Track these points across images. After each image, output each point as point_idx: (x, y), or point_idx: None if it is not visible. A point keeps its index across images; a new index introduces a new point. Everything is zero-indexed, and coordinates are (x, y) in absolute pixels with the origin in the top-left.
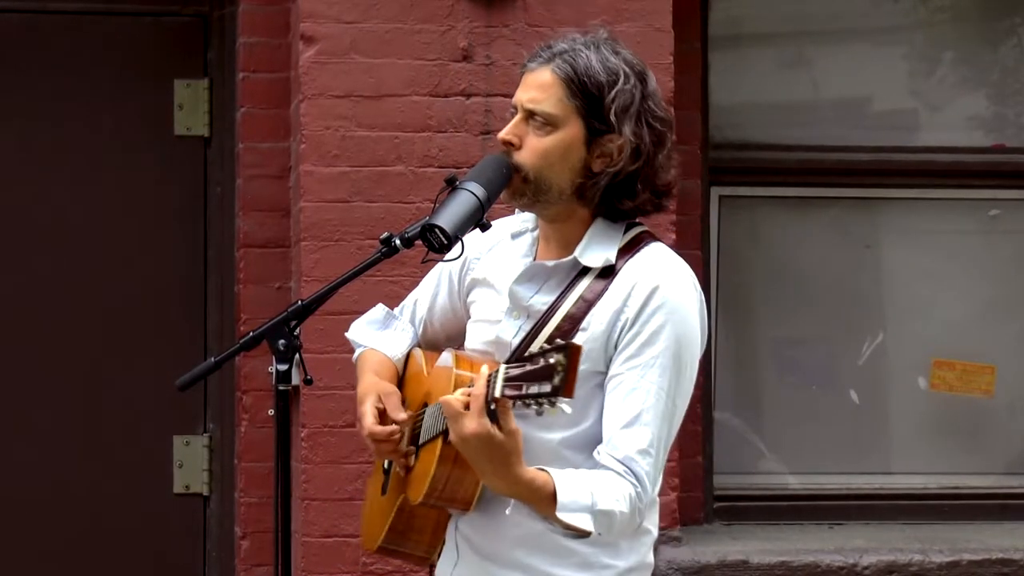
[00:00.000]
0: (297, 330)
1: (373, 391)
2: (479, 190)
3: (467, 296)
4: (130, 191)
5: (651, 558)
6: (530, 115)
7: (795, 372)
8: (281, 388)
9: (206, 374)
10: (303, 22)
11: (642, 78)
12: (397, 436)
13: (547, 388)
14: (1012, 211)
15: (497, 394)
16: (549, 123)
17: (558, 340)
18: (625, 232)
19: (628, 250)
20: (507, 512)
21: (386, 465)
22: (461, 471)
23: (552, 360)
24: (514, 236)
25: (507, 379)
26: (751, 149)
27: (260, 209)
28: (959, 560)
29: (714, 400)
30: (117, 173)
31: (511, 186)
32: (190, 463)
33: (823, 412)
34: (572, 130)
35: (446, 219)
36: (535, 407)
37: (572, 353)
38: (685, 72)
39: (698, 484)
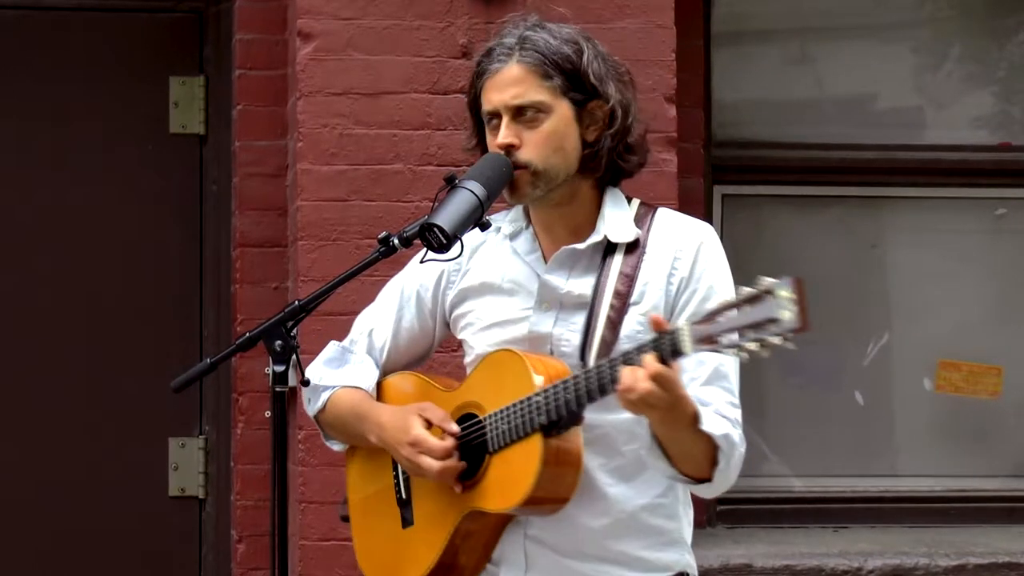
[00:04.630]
0: (294, 331)
1: (410, 413)
2: (479, 188)
3: (451, 312)
4: (125, 189)
5: None
6: (517, 112)
7: (799, 373)
8: (278, 390)
9: (201, 375)
10: (300, 18)
11: (593, 42)
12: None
13: (776, 329)
14: (1019, 210)
15: (688, 351)
16: (541, 110)
17: (767, 279)
18: (629, 205)
19: (641, 221)
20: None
21: (404, 495)
22: (562, 468)
23: (777, 296)
24: (510, 237)
25: (698, 339)
26: (754, 147)
27: (257, 208)
28: (965, 564)
29: None
30: (112, 171)
31: (518, 185)
32: (186, 465)
33: (827, 414)
34: (561, 110)
35: (445, 218)
36: (754, 347)
37: (799, 287)
38: (687, 69)
39: None
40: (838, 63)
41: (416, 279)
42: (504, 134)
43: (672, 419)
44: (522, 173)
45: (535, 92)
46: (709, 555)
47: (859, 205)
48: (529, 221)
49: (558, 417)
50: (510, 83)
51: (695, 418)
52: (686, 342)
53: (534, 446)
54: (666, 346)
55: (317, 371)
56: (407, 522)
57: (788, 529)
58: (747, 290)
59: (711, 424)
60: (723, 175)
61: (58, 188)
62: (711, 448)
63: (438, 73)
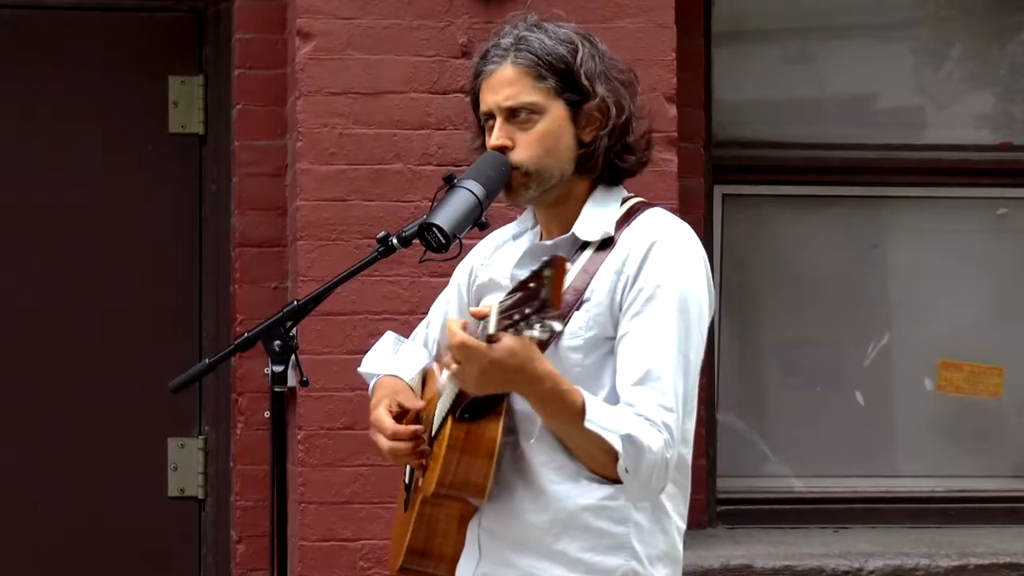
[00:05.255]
0: (293, 331)
1: (384, 399)
2: (478, 188)
3: (477, 304)
4: (124, 189)
5: (680, 551)
6: (510, 113)
7: (799, 373)
8: (277, 390)
9: (200, 376)
10: (300, 18)
11: (592, 41)
12: (422, 434)
13: (536, 305)
14: (1020, 210)
15: (492, 330)
16: (534, 111)
17: (543, 258)
18: (622, 204)
19: (625, 220)
20: (531, 442)
21: (407, 480)
22: (471, 455)
23: (541, 275)
24: (515, 237)
25: (501, 311)
26: (755, 147)
27: (256, 208)
28: (966, 564)
29: (717, 401)
30: (111, 171)
31: (513, 186)
32: (185, 466)
33: (828, 414)
34: (555, 111)
35: (444, 218)
36: (533, 333)
37: (557, 264)
38: (688, 69)
39: (701, 487)
40: (839, 63)
41: (458, 275)
42: (497, 135)
43: (540, 407)
44: (516, 175)
45: (528, 93)
46: (709, 555)
47: (860, 205)
48: (535, 222)
49: (456, 399)
50: (504, 84)
51: (581, 413)
52: (491, 324)
53: (446, 429)
54: (480, 329)
55: (369, 361)
56: (407, 506)
57: (789, 529)
58: (533, 270)
59: (603, 421)
60: (723, 175)
61: (58, 188)
62: (611, 447)
63: (438, 73)
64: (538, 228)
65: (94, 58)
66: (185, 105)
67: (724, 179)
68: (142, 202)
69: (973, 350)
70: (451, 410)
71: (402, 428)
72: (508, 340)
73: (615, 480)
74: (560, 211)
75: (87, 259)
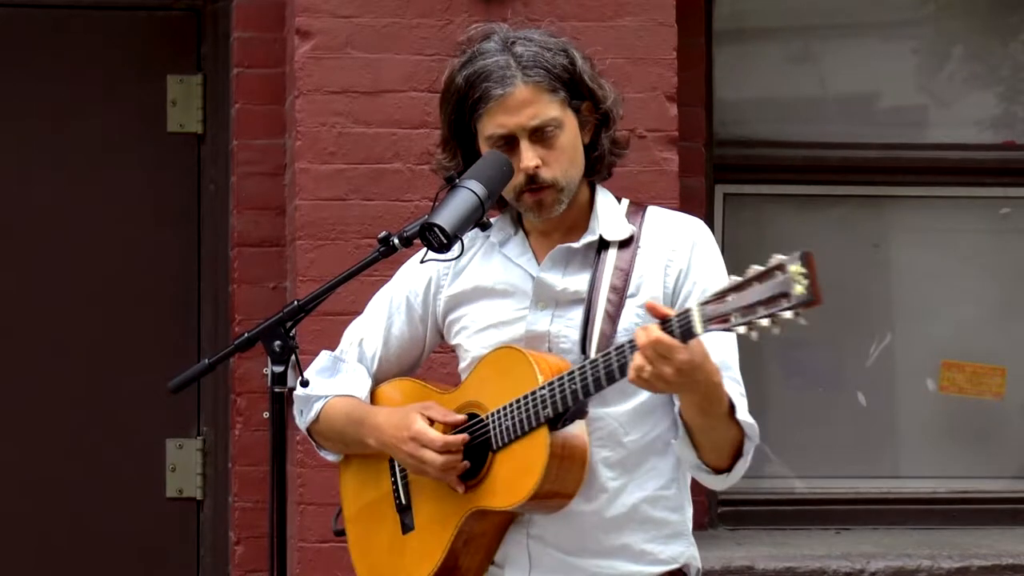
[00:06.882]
0: (293, 331)
1: (411, 411)
2: (479, 188)
3: (444, 317)
4: (122, 189)
5: None
6: (534, 132)
7: (801, 373)
8: (276, 390)
9: (199, 376)
10: (299, 16)
11: (571, 44)
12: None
13: (787, 303)
14: (1023, 209)
15: (699, 331)
16: (556, 126)
17: (778, 255)
18: (619, 203)
19: (632, 218)
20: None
21: (403, 500)
22: (569, 462)
23: (788, 272)
24: (501, 244)
25: (708, 318)
26: (756, 146)
27: (255, 207)
28: (968, 566)
29: None
30: (109, 171)
31: (546, 205)
32: (183, 467)
33: (830, 415)
34: (569, 121)
35: (445, 218)
36: (766, 323)
37: (808, 259)
38: (689, 67)
39: (701, 488)
40: (840, 61)
41: (405, 286)
42: (528, 157)
43: (704, 404)
44: (548, 192)
45: (549, 109)
46: (711, 556)
47: (861, 204)
48: (517, 228)
49: (564, 409)
50: (522, 105)
51: (731, 407)
52: (696, 322)
53: (540, 440)
54: (675, 328)
55: (312, 378)
56: (407, 527)
57: (790, 531)
58: (756, 267)
59: (744, 413)
60: (725, 174)
61: (56, 187)
62: (739, 438)
63: (437, 71)
64: (521, 234)
65: (92, 57)
66: (183, 104)
67: (725, 178)
68: (140, 201)
69: (976, 350)
70: (549, 421)
71: (452, 439)
72: (698, 339)
73: (718, 470)
74: (564, 217)
75: (85, 259)
